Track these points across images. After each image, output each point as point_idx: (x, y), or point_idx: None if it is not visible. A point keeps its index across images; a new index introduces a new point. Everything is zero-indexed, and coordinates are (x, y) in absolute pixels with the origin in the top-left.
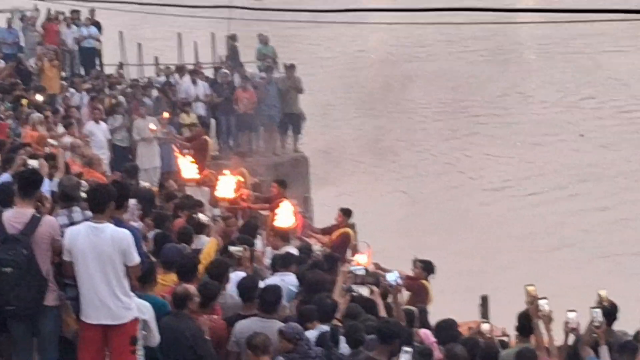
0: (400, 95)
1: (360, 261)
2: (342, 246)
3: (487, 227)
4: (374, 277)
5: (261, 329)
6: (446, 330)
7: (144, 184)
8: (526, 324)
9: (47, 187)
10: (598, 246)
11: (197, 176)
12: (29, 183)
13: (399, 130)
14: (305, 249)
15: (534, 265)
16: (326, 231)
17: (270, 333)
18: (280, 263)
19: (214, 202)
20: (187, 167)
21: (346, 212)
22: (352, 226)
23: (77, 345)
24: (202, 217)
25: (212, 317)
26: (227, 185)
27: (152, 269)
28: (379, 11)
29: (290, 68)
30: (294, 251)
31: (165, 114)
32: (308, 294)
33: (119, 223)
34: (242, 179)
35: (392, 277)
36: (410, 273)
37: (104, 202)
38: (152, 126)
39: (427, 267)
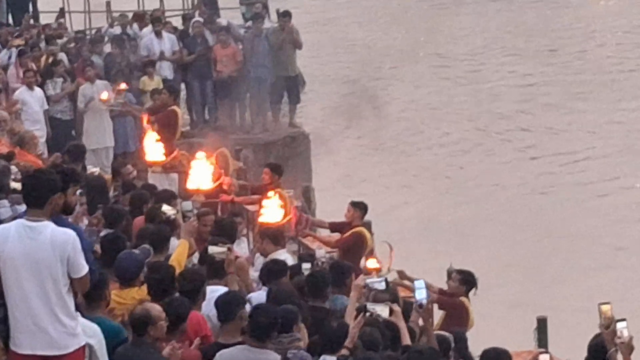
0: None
1: (371, 266)
2: (354, 251)
3: (544, 223)
4: (392, 295)
5: None
6: None
7: (93, 169)
8: (599, 354)
9: None
10: None
11: (164, 159)
12: None
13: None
14: (307, 256)
15: (603, 275)
16: (336, 227)
17: None
18: (269, 274)
19: (186, 193)
20: (151, 147)
21: (359, 206)
22: (368, 226)
23: None
24: (166, 209)
25: (181, 345)
26: (202, 173)
27: (102, 283)
28: None
29: (285, 16)
30: (289, 257)
31: (123, 85)
32: None
33: (60, 221)
34: (222, 163)
35: (421, 295)
36: (442, 286)
37: (44, 194)
38: (104, 95)
39: (467, 280)
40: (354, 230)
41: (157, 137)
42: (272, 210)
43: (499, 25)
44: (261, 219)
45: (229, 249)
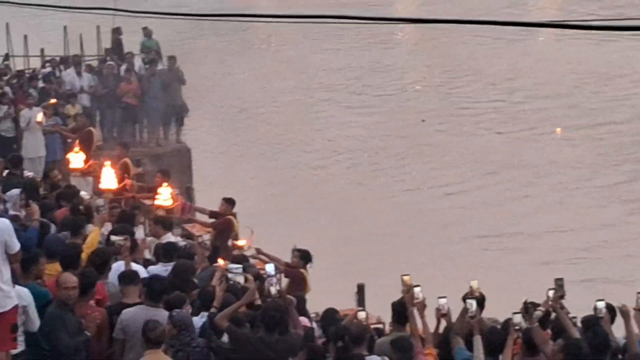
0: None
1: (239, 244)
2: (225, 233)
3: (363, 214)
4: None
5: (147, 317)
6: (330, 319)
7: (28, 173)
8: (401, 312)
9: None
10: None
11: (82, 166)
12: None
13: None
14: (187, 237)
15: (410, 253)
16: (214, 214)
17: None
18: (163, 253)
19: (98, 191)
20: (74, 158)
21: (229, 201)
22: (235, 215)
23: None
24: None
25: (92, 306)
26: (110, 176)
27: (33, 258)
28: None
29: (172, 60)
30: (175, 240)
31: (52, 100)
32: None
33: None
34: (125, 170)
35: (270, 269)
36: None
37: None
38: (39, 118)
39: (304, 256)
40: (225, 217)
41: (78, 150)
42: (164, 198)
43: None
44: (156, 202)
45: (126, 238)
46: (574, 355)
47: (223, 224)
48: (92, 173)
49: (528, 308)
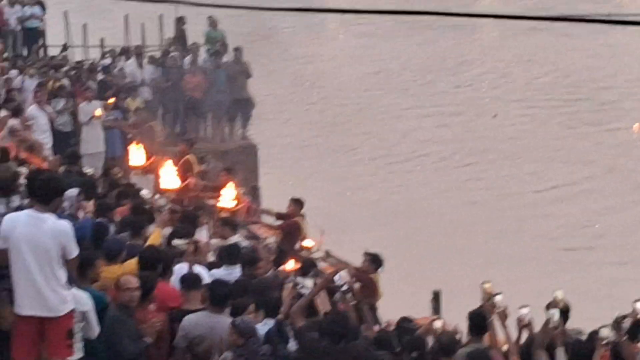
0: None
1: (307, 245)
2: (292, 235)
3: (440, 218)
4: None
5: (210, 324)
6: (404, 328)
7: (88, 169)
8: (479, 322)
9: None
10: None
11: (143, 162)
12: None
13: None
14: (253, 237)
15: (487, 259)
16: (281, 216)
17: (219, 329)
18: (227, 256)
19: (160, 190)
20: (135, 154)
21: (297, 202)
22: (303, 217)
23: (13, 339)
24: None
25: (152, 311)
26: (171, 175)
27: (89, 262)
28: (336, 12)
29: (238, 51)
30: (242, 241)
31: (111, 100)
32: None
33: (59, 215)
34: (188, 167)
35: (338, 278)
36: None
37: (53, 195)
38: (98, 112)
39: (375, 260)
40: (293, 219)
41: (138, 145)
42: (228, 198)
43: None
44: (219, 204)
45: (189, 242)
46: None
47: (290, 226)
48: (153, 171)
49: (619, 322)
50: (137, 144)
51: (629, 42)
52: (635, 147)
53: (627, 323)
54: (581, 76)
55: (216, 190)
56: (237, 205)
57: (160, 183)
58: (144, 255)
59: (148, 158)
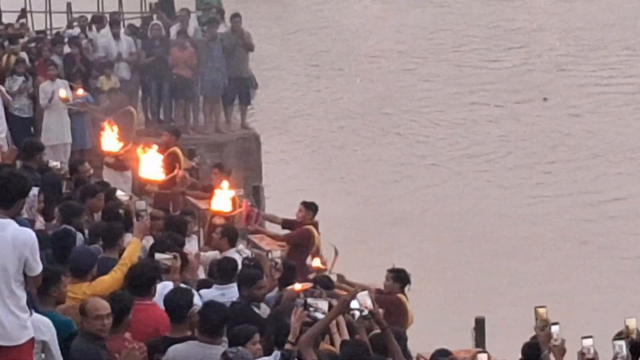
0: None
1: (316, 265)
2: (302, 247)
3: (481, 227)
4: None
5: (201, 357)
6: None
7: (54, 163)
8: (535, 355)
9: None
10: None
11: (118, 149)
12: None
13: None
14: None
15: (546, 278)
16: (288, 225)
17: None
18: (220, 273)
19: (140, 190)
20: (107, 139)
21: (310, 207)
22: (316, 225)
23: None
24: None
25: (128, 339)
26: (153, 164)
27: (53, 279)
28: None
29: (236, 19)
30: (236, 256)
31: (80, 91)
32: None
33: (20, 222)
34: (174, 162)
35: (355, 304)
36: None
37: (14, 197)
38: (62, 93)
39: (400, 277)
40: (303, 227)
41: (112, 129)
42: (223, 200)
43: None
44: (213, 207)
45: (175, 257)
46: None
47: (300, 236)
48: (131, 163)
49: None
50: (111, 126)
51: None
52: None
53: None
54: None
55: (207, 190)
56: (233, 210)
57: (141, 172)
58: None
59: (125, 145)
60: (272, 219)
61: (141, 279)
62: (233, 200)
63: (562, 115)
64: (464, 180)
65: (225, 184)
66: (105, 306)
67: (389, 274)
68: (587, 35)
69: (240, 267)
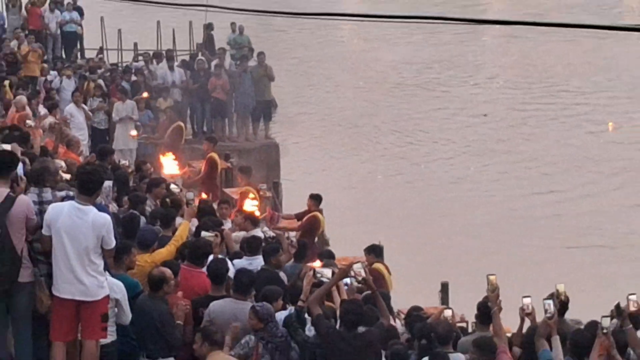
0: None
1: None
2: (310, 230)
3: (448, 213)
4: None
5: (234, 310)
6: (415, 317)
7: (123, 161)
8: (485, 312)
9: (21, 169)
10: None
11: (178, 172)
12: (4, 164)
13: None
14: (271, 238)
15: (493, 253)
16: (299, 216)
17: (243, 314)
18: (248, 247)
19: (188, 185)
20: (169, 164)
21: (315, 198)
22: (321, 211)
23: (50, 321)
24: (173, 187)
25: (179, 297)
26: (171, 163)
27: (124, 250)
28: (354, 16)
29: (261, 56)
30: (260, 234)
31: (145, 94)
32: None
33: (99, 206)
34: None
35: (358, 267)
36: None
37: (96, 187)
38: (133, 132)
39: (374, 249)
40: (310, 214)
41: (173, 156)
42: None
43: None
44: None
45: (216, 235)
46: None
47: (309, 222)
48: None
49: (621, 311)
50: (166, 154)
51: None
52: None
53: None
54: None
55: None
56: (260, 215)
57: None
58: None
59: (176, 158)
60: (288, 217)
61: (198, 253)
62: (258, 207)
63: (498, 126)
64: (433, 177)
65: (249, 190)
66: (170, 273)
67: (366, 250)
68: (519, 68)
69: (264, 243)
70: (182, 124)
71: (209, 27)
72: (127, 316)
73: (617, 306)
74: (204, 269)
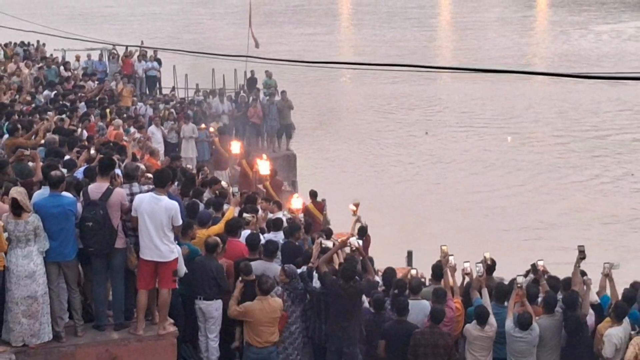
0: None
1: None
2: (310, 216)
3: (417, 202)
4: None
5: (264, 268)
6: (390, 274)
7: (188, 166)
8: (438, 271)
9: (119, 169)
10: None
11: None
12: (106, 166)
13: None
14: (289, 220)
15: (447, 227)
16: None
17: (270, 271)
18: (274, 225)
19: (233, 181)
20: (262, 165)
21: (311, 193)
22: (321, 203)
23: (137, 275)
24: (224, 183)
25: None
26: (265, 165)
27: (188, 226)
28: (366, 64)
29: (284, 93)
30: (282, 216)
31: (203, 125)
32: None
33: (171, 196)
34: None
35: (354, 240)
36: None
37: (166, 181)
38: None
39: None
40: (304, 206)
41: (265, 159)
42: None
43: None
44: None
45: (252, 216)
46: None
47: (305, 210)
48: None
49: (536, 270)
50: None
51: None
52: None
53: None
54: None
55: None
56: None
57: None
58: (230, 224)
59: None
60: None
61: (234, 227)
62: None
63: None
64: (406, 175)
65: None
66: (219, 241)
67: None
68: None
69: (285, 223)
70: (229, 140)
71: (251, 73)
72: (182, 270)
73: (533, 265)
74: (241, 239)
